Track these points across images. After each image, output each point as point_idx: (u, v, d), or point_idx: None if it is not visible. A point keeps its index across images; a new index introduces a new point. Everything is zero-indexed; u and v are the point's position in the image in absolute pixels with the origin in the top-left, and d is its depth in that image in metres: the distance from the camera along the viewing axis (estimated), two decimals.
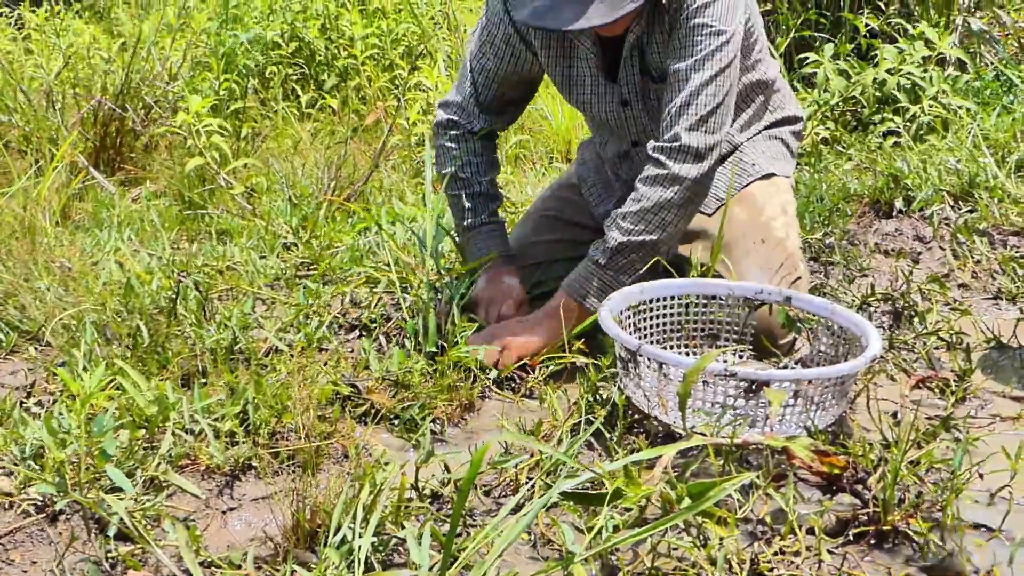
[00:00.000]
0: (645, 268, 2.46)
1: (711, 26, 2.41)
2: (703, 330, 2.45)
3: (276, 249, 3.25)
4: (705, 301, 2.44)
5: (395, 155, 4.62)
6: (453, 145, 2.78)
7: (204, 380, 2.29)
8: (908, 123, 4.68)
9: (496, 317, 2.61)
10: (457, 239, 2.86)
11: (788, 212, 2.72)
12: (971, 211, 3.62)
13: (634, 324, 2.38)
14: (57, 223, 3.88)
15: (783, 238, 2.65)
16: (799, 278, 2.59)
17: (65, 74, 5.12)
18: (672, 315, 2.44)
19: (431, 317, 2.43)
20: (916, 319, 2.71)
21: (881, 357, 2.43)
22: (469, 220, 2.78)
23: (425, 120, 4.82)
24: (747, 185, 2.71)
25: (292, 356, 2.36)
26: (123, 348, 2.44)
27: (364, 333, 2.65)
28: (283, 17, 5.73)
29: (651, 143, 2.46)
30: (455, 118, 2.78)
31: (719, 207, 2.66)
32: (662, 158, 2.42)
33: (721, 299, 2.43)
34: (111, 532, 1.76)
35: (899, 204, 3.76)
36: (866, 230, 3.63)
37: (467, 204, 2.78)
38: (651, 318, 2.42)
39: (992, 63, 5.26)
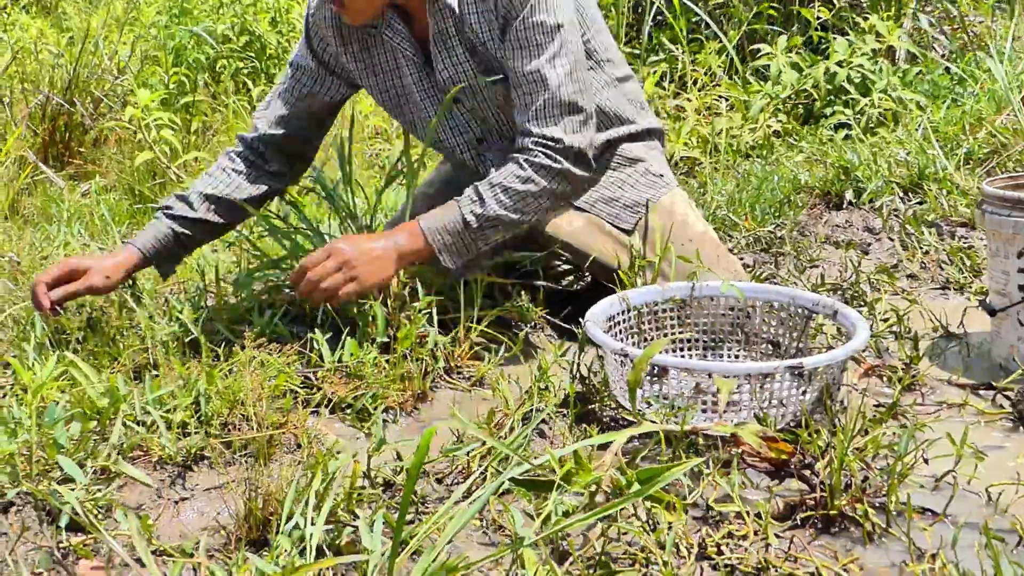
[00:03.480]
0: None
1: (545, 23, 2.42)
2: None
3: (229, 242, 3.23)
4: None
5: (346, 147, 4.60)
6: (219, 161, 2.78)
7: (155, 372, 2.28)
8: (859, 116, 4.72)
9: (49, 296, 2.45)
10: None
11: (692, 207, 2.77)
12: (920, 203, 3.66)
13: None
14: (6, 217, 3.86)
15: (703, 231, 2.72)
16: (739, 268, 2.72)
17: (12, 69, 5.07)
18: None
19: (378, 307, 2.42)
20: (865, 309, 2.73)
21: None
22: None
23: (377, 112, 4.80)
24: (659, 199, 2.71)
25: (244, 348, 2.35)
26: (74, 341, 2.43)
27: (318, 324, 2.64)
28: (233, 11, 5.70)
29: (533, 136, 2.43)
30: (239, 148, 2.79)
31: (637, 222, 2.66)
32: (551, 153, 2.42)
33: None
34: (63, 522, 1.75)
35: (849, 196, 3.80)
36: (816, 221, 3.67)
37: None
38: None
39: (941, 56, 5.31)
